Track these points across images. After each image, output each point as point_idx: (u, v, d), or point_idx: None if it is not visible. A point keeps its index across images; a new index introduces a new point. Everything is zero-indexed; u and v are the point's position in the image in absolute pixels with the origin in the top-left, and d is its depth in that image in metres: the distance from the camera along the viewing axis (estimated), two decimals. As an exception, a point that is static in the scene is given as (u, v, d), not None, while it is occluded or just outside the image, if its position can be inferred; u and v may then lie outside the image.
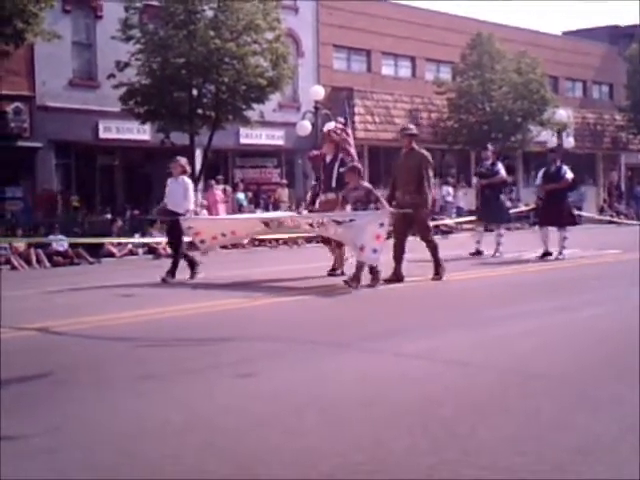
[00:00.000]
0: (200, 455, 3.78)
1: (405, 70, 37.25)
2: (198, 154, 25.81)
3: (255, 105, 25.18)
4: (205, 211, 23.77)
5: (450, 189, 31.38)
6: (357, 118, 31.33)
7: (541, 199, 15.90)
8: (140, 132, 26.24)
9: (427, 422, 4.23)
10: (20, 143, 23.96)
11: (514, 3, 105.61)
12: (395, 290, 10.74)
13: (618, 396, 4.68)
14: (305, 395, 4.89)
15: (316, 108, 28.11)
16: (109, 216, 24.25)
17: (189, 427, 4.24)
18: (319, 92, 28.30)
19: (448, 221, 27.40)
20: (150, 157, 27.63)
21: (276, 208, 26.68)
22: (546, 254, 15.23)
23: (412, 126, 13.06)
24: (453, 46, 35.18)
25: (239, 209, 25.29)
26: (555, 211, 15.19)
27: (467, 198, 33.63)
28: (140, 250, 21.54)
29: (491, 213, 16.90)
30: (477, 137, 33.55)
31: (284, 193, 27.42)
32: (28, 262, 18.51)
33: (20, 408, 4.69)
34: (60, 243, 19.57)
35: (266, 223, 13.33)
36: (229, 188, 26.68)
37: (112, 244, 20.85)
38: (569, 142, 37.11)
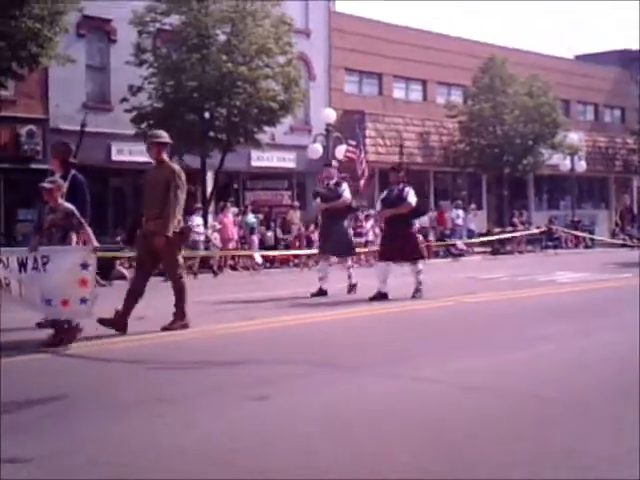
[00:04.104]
0: (214, 476, 3.79)
1: (416, 93, 37.36)
2: (210, 176, 25.97)
3: (267, 128, 25.32)
4: (217, 234, 23.87)
5: (460, 212, 31.39)
6: (368, 141, 31.42)
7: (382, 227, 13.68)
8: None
9: (437, 445, 4.23)
10: (33, 165, 24.06)
11: (525, 27, 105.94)
12: (403, 314, 10.73)
13: (633, 421, 4.65)
14: (319, 418, 4.89)
15: (327, 131, 28.21)
16: (119, 238, 24.30)
17: (202, 449, 4.25)
18: (330, 115, 28.41)
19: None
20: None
21: (287, 231, 26.81)
22: (379, 296, 12.28)
23: (163, 132, 10.00)
24: (464, 69, 35.31)
25: (250, 232, 25.37)
26: (398, 242, 12.56)
27: (478, 221, 33.69)
28: (151, 272, 21.57)
29: (333, 243, 13.63)
30: (488, 160, 33.61)
31: (295, 215, 27.46)
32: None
33: (34, 430, 4.71)
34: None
35: None
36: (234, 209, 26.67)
37: (123, 266, 20.87)
38: (581, 165, 37.12)
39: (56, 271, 8.16)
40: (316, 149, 27.87)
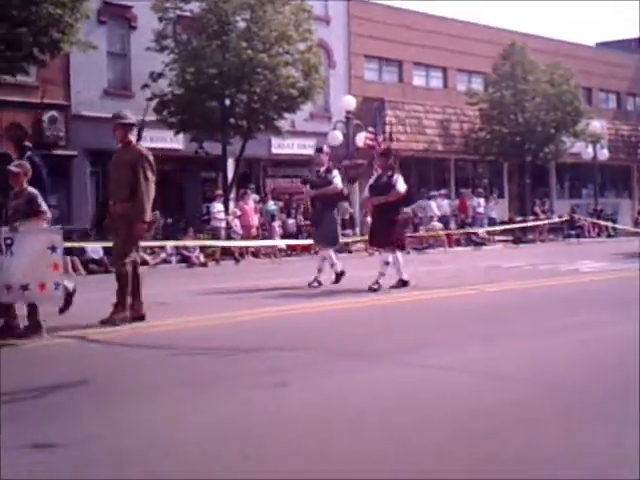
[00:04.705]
0: (234, 462, 3.80)
1: (437, 81, 37.23)
2: (230, 163, 26.03)
3: (287, 115, 25.35)
4: (237, 221, 23.92)
5: (481, 200, 31.28)
6: (388, 128, 31.33)
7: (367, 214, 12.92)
8: (173, 141, 26.45)
9: (458, 434, 4.22)
10: (55, 151, 24.20)
11: (547, 14, 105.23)
12: (423, 302, 10.71)
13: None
14: (335, 405, 4.89)
15: (347, 118, 28.19)
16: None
17: (224, 435, 4.26)
18: (350, 102, 28.37)
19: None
20: (183, 166, 27.94)
21: (307, 218, 26.79)
22: (400, 284, 12.18)
23: (127, 113, 9.40)
24: (485, 57, 35.11)
25: (271, 219, 25.43)
26: (384, 230, 12.30)
27: (499, 209, 33.58)
28: (174, 258, 21.77)
29: (319, 232, 13.31)
30: (509, 148, 33.44)
31: (315, 203, 27.41)
32: (65, 270, 18.63)
33: (58, 416, 4.73)
34: (95, 251, 19.75)
35: None
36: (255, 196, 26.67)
37: (145, 252, 20.99)
38: (603, 154, 36.89)
39: (25, 254, 7.85)
40: (336, 136, 27.83)
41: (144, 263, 20.75)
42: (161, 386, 5.51)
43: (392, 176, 12.52)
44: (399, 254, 12.48)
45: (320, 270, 12.91)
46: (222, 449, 4.05)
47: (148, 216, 8.77)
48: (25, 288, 7.84)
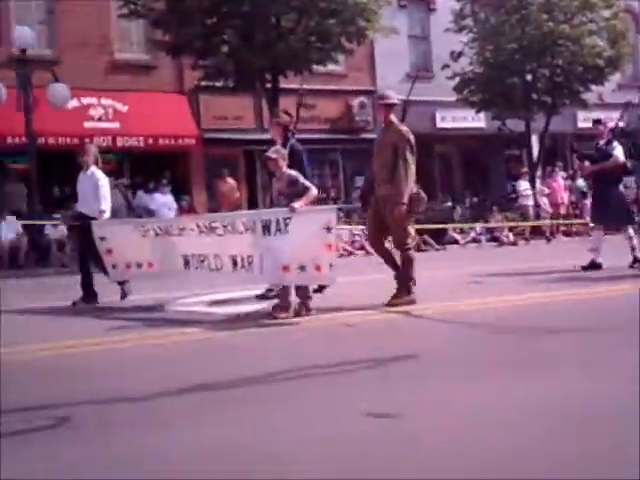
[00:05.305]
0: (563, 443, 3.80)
1: None
2: (534, 140, 25.67)
3: (593, 87, 24.49)
4: (545, 199, 23.56)
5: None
6: None
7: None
8: (475, 120, 26.54)
9: None
10: (364, 135, 25.16)
11: None
12: None
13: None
14: None
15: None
16: (449, 204, 24.88)
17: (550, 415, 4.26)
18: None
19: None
20: (486, 145, 28.02)
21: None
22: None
23: (391, 93, 9.45)
24: None
25: (582, 196, 24.70)
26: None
27: None
28: (483, 238, 21.97)
29: (607, 211, 11.89)
30: None
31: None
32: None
33: (393, 387, 5.00)
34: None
35: (187, 260, 9.42)
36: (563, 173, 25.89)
37: (455, 231, 21.42)
38: None
39: (302, 234, 7.88)
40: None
41: (455, 242, 21.28)
42: (488, 363, 5.60)
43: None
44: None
45: (634, 249, 11.81)
46: (557, 426, 4.05)
47: (405, 198, 8.59)
48: (302, 269, 7.91)
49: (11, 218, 18.34)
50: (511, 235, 21.90)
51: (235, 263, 8.71)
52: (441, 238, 20.92)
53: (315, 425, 4.17)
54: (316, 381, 5.24)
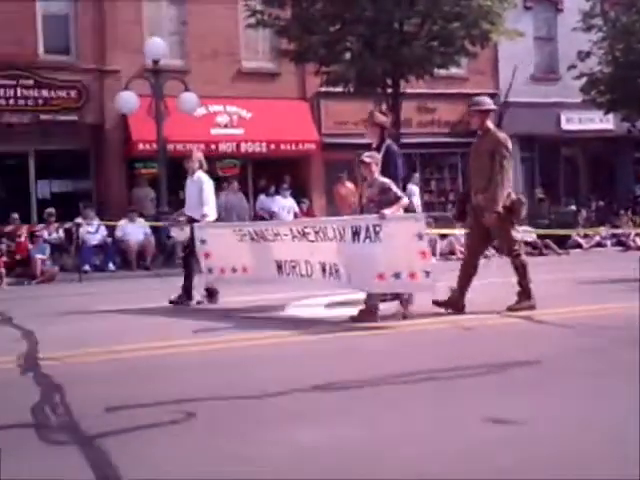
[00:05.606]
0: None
1: None
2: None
3: None
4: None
5: None
6: None
7: None
8: (603, 122, 25.91)
9: None
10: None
11: None
12: None
13: None
14: None
15: None
16: (574, 207, 24.39)
17: None
18: None
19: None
20: (614, 147, 27.32)
21: None
22: None
23: (486, 99, 9.27)
24: None
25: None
26: None
27: None
28: (608, 242, 21.44)
29: None
30: None
31: None
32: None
33: (510, 392, 5.01)
34: (529, 234, 20.05)
35: (279, 266, 9.55)
36: None
37: (579, 235, 20.99)
38: None
39: (394, 242, 7.90)
40: None
41: (578, 246, 20.80)
42: (602, 372, 5.53)
43: None
44: None
45: None
46: None
47: (500, 206, 8.41)
48: (397, 276, 7.92)
49: (140, 220, 19.04)
50: (638, 239, 21.27)
51: (324, 270, 8.83)
52: (564, 242, 20.57)
53: (440, 431, 4.22)
54: (439, 385, 5.30)
